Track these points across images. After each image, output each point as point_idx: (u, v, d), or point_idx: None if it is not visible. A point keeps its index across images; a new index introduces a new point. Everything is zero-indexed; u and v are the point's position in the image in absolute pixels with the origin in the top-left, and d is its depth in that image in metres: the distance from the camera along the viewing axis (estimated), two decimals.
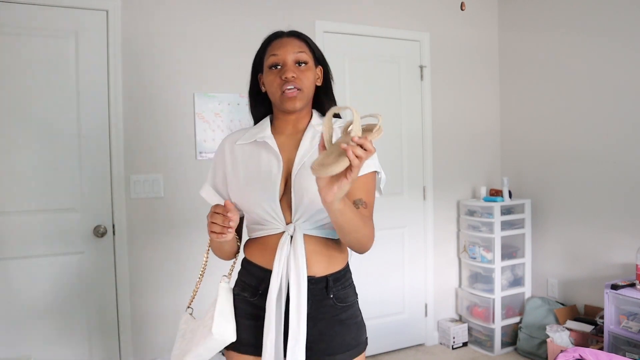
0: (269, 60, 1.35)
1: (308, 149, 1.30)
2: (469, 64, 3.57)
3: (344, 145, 0.97)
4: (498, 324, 3.27)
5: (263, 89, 1.40)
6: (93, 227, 2.55)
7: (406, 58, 3.34)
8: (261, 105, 1.45)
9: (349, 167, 0.98)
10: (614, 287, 2.61)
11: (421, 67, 3.38)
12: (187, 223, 2.75)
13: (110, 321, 2.60)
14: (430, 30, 3.40)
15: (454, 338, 3.39)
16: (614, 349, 2.60)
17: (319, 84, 1.41)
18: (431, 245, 3.45)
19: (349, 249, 1.36)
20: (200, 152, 2.77)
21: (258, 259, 1.34)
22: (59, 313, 2.50)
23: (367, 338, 1.38)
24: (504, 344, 3.32)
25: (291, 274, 1.23)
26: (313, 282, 1.27)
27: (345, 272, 1.36)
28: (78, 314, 2.53)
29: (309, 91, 1.34)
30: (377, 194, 1.36)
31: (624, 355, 2.45)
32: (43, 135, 2.46)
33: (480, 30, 3.60)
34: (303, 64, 1.34)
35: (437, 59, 3.44)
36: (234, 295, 1.38)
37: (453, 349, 3.38)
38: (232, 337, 1.29)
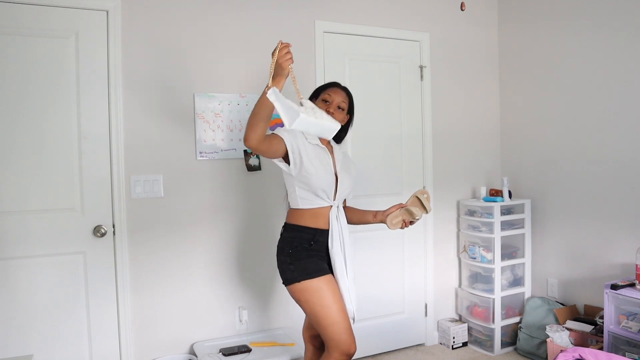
0: (324, 97, 2.13)
1: (339, 158, 2.19)
2: (469, 64, 3.57)
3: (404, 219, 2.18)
4: (498, 324, 3.28)
5: None
6: (93, 227, 2.56)
7: (406, 58, 3.35)
8: None
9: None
10: (614, 287, 2.62)
11: (421, 67, 3.38)
12: (187, 223, 2.75)
13: (110, 321, 2.60)
14: (430, 30, 3.40)
15: (454, 338, 3.39)
16: (614, 349, 2.60)
17: (343, 124, 2.17)
18: (431, 245, 3.45)
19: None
20: (200, 152, 2.77)
21: (310, 223, 2.07)
22: (59, 313, 2.50)
23: None
24: (503, 344, 3.32)
25: (343, 226, 2.11)
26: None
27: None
28: (78, 314, 2.54)
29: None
30: None
31: (624, 355, 2.45)
32: (43, 135, 2.46)
33: (480, 30, 3.60)
34: (341, 109, 2.14)
35: (437, 59, 3.44)
36: (294, 248, 2.07)
37: (453, 349, 3.39)
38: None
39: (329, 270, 2.07)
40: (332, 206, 2.09)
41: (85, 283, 2.55)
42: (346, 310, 2.02)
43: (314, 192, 2.05)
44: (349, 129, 2.26)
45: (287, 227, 2.13)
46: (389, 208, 2.17)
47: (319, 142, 2.11)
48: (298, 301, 2.04)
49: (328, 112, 2.07)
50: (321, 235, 2.08)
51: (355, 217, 2.27)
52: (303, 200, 2.07)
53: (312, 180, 2.02)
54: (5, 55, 2.38)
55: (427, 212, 2.14)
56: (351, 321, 2.04)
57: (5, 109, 2.39)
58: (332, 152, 2.18)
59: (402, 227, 2.16)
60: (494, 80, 3.68)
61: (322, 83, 3.02)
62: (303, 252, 2.05)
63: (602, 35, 2.95)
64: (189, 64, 2.74)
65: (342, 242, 2.09)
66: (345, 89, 2.19)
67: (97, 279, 2.57)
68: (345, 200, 2.27)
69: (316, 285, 1.99)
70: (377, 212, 2.22)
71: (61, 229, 2.50)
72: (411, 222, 2.15)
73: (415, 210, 2.11)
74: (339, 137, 2.23)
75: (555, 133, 3.27)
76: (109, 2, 2.56)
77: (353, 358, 2.02)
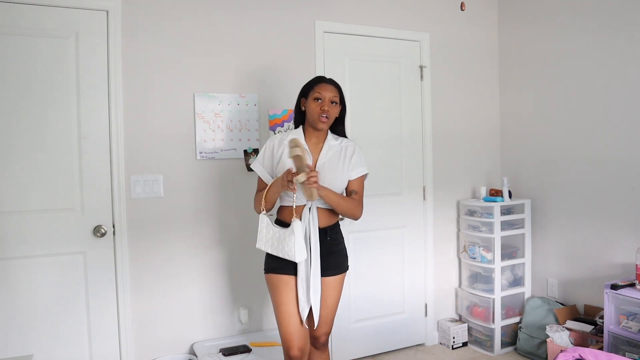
0: (314, 95, 2.11)
1: (325, 157, 2.14)
2: (469, 64, 3.57)
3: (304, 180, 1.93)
4: (498, 324, 3.28)
5: (303, 109, 2.17)
6: (93, 227, 2.56)
7: (406, 58, 3.34)
8: (299, 118, 2.22)
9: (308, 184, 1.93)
10: (614, 287, 2.62)
11: (421, 67, 3.38)
12: (187, 223, 2.75)
13: (110, 321, 2.60)
14: (430, 30, 3.40)
15: (454, 338, 3.39)
16: (614, 348, 2.60)
17: (337, 116, 2.19)
18: (431, 245, 3.45)
19: (339, 215, 2.20)
20: (200, 152, 2.77)
21: (287, 219, 2.09)
22: (59, 313, 2.50)
23: (348, 264, 2.23)
24: (503, 344, 3.32)
25: (310, 227, 2.06)
26: (319, 230, 2.10)
27: (336, 225, 2.20)
28: (78, 314, 2.54)
29: (332, 119, 2.14)
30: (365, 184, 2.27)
31: (624, 355, 2.45)
32: (43, 135, 2.46)
33: (480, 30, 3.60)
34: (334, 103, 2.13)
35: (437, 59, 3.44)
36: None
37: (453, 349, 3.39)
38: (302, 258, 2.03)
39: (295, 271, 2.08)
40: (304, 205, 2.08)
41: (85, 283, 2.55)
42: (294, 316, 2.06)
43: (286, 195, 2.12)
44: (344, 121, 2.24)
45: (276, 220, 2.21)
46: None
47: (301, 140, 2.10)
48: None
49: (322, 109, 2.07)
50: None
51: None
52: (282, 197, 2.14)
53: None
54: (5, 55, 2.38)
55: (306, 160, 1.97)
56: (305, 326, 2.08)
57: (5, 109, 2.39)
58: (319, 149, 2.15)
59: (307, 181, 1.92)
60: (494, 80, 3.68)
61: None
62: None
63: (602, 35, 2.95)
64: (189, 64, 2.74)
65: (308, 242, 2.05)
66: (333, 82, 2.16)
67: (97, 279, 2.57)
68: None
69: (275, 282, 2.10)
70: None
71: (61, 229, 2.50)
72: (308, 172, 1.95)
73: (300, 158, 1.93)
74: (336, 130, 2.23)
75: (555, 133, 3.27)
76: (109, 2, 2.56)
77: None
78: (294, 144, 1.93)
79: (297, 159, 1.93)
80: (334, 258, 2.14)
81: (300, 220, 2.03)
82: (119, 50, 2.58)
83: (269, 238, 2.08)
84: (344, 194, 2.20)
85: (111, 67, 2.57)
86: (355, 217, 2.19)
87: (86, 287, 2.55)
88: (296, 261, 1.99)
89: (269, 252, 2.08)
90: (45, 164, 2.47)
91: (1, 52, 2.37)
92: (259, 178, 2.20)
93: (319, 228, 2.09)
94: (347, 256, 2.24)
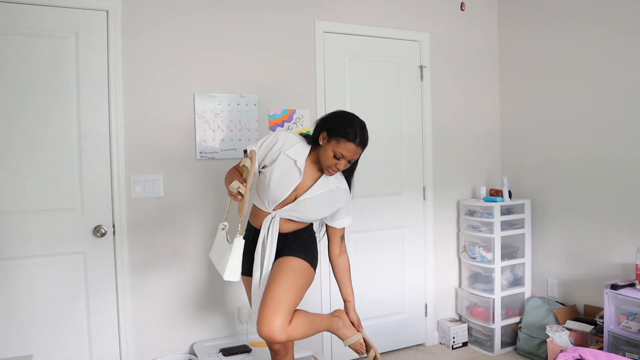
0: (335, 151, 1.93)
1: (316, 192, 2.03)
2: (469, 64, 3.57)
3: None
4: (498, 324, 3.28)
5: (320, 142, 1.99)
6: (93, 227, 2.56)
7: (406, 58, 3.34)
8: (314, 140, 2.04)
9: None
10: (614, 287, 2.62)
11: (421, 67, 3.38)
12: (187, 223, 2.75)
13: (110, 321, 2.60)
14: (430, 30, 3.40)
15: (454, 338, 3.39)
16: (614, 348, 2.60)
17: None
18: (431, 245, 3.45)
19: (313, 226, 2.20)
20: (200, 152, 2.77)
21: (252, 220, 2.15)
22: (59, 313, 2.50)
23: (314, 262, 2.11)
24: (503, 344, 3.32)
25: (268, 234, 2.03)
26: (281, 235, 2.07)
27: (305, 230, 2.14)
28: (78, 314, 2.54)
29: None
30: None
31: (624, 355, 2.45)
32: (43, 135, 2.46)
33: (480, 30, 3.60)
34: (349, 161, 1.98)
35: (437, 59, 3.44)
36: (245, 238, 2.02)
37: (453, 349, 3.39)
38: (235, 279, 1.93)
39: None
40: (269, 213, 2.05)
41: (85, 283, 2.55)
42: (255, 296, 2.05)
43: (259, 195, 2.09)
44: (354, 172, 2.14)
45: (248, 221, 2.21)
46: (359, 334, 2.16)
47: (300, 164, 1.99)
48: None
49: (337, 167, 1.96)
50: (256, 235, 2.10)
51: (337, 277, 2.23)
52: (256, 196, 2.12)
53: (260, 187, 2.06)
54: (5, 55, 2.38)
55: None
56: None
57: (5, 109, 2.39)
58: (315, 179, 2.04)
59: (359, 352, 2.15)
60: (494, 80, 3.68)
61: (323, 85, 3.04)
62: (246, 245, 2.01)
63: (602, 34, 2.95)
64: (189, 64, 2.74)
65: (263, 248, 2.03)
66: (362, 144, 1.95)
67: (97, 279, 2.57)
68: (341, 239, 2.21)
69: (244, 282, 2.22)
70: (348, 306, 2.21)
71: (61, 229, 2.50)
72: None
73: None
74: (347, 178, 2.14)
75: (556, 133, 3.27)
76: (109, 2, 2.56)
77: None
78: (250, 155, 1.91)
79: (244, 169, 1.92)
80: (297, 245, 2.07)
81: (259, 228, 2.05)
82: (119, 50, 2.58)
83: (216, 247, 2.06)
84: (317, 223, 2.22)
85: (111, 67, 2.57)
86: None
87: (86, 287, 2.55)
88: (224, 279, 1.89)
89: (212, 260, 2.06)
90: (45, 164, 2.47)
91: (1, 52, 2.37)
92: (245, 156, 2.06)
93: (281, 233, 2.05)
94: (314, 254, 2.13)
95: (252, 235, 2.13)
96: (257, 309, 1.97)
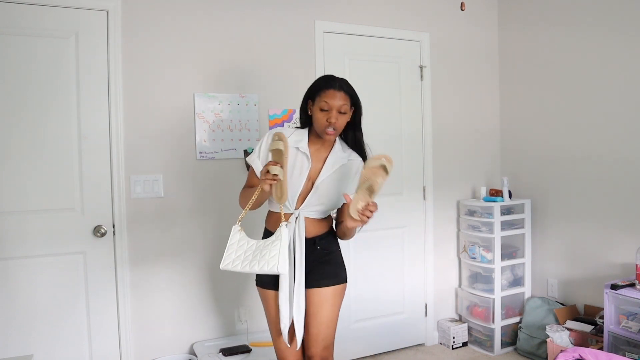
0: (320, 104, 1.86)
1: (329, 171, 1.92)
2: (469, 64, 3.57)
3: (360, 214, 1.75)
4: (498, 324, 3.28)
5: (309, 113, 1.93)
6: (93, 227, 2.56)
7: (406, 58, 3.34)
8: (305, 119, 1.98)
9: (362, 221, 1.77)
10: (614, 287, 2.62)
11: (421, 67, 3.38)
12: (187, 223, 2.75)
13: (110, 321, 2.60)
14: (430, 30, 3.40)
15: (453, 338, 3.39)
16: (614, 348, 2.60)
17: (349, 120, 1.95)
18: (431, 245, 3.45)
19: (333, 222, 2.06)
20: (200, 152, 2.77)
21: (272, 227, 1.94)
22: (59, 313, 2.50)
23: (346, 276, 2.00)
24: (503, 344, 3.32)
25: (296, 237, 1.86)
26: (308, 241, 1.92)
27: (328, 233, 1.99)
28: (78, 314, 2.54)
29: (341, 129, 1.91)
30: None
31: (624, 355, 2.45)
32: (43, 135, 2.46)
33: (480, 30, 3.60)
34: (342, 113, 1.88)
35: (437, 59, 3.44)
36: None
37: (453, 349, 3.39)
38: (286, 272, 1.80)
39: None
40: (292, 214, 1.89)
41: (85, 283, 2.55)
42: (281, 333, 1.88)
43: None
44: (360, 126, 2.00)
45: (264, 229, 2.04)
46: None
47: (303, 148, 1.90)
48: None
49: (329, 122, 1.83)
50: None
51: (339, 229, 2.00)
52: (270, 201, 1.98)
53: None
54: (5, 55, 2.38)
55: (387, 173, 1.75)
56: (287, 343, 1.89)
57: (5, 109, 2.39)
58: (323, 159, 1.93)
59: (366, 215, 1.74)
60: (494, 80, 3.68)
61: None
62: None
63: (602, 35, 2.95)
64: (189, 64, 2.74)
65: (292, 254, 1.86)
66: (343, 87, 1.88)
67: (97, 279, 2.57)
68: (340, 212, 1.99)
69: (263, 296, 1.98)
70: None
71: (61, 229, 2.50)
72: (370, 205, 1.76)
73: (373, 182, 1.73)
74: (346, 137, 2.00)
75: (556, 133, 3.27)
76: (109, 2, 2.56)
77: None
78: (278, 137, 1.78)
79: (276, 153, 1.79)
80: (326, 267, 1.92)
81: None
82: (119, 50, 2.58)
83: (241, 253, 1.82)
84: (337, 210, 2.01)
85: (111, 67, 2.57)
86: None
87: (86, 287, 2.55)
88: (278, 272, 1.75)
89: (238, 269, 1.80)
90: (45, 164, 2.47)
91: (1, 52, 2.37)
92: (251, 173, 2.00)
93: (306, 238, 1.90)
94: (344, 266, 2.01)
95: None
96: (286, 325, 1.84)
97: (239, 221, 1.89)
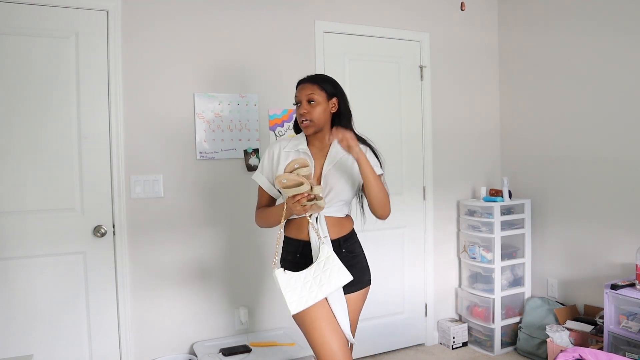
0: (294, 100, 1.95)
1: (331, 163, 1.93)
2: (469, 64, 3.57)
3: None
4: (498, 324, 3.27)
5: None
6: (93, 227, 2.56)
7: (406, 58, 3.34)
8: (296, 125, 2.04)
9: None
10: (614, 287, 2.62)
11: (421, 67, 3.38)
12: (187, 223, 2.75)
13: (110, 321, 2.60)
14: (430, 30, 3.40)
15: (453, 338, 3.39)
16: (614, 349, 2.60)
17: (334, 111, 1.97)
18: (431, 245, 3.45)
19: (353, 223, 2.04)
20: (200, 152, 2.77)
21: (295, 235, 1.94)
22: (59, 313, 2.50)
23: (370, 277, 2.02)
24: (503, 344, 3.32)
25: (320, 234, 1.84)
26: (333, 243, 1.87)
27: (351, 234, 1.99)
28: (78, 314, 2.54)
29: (319, 120, 1.91)
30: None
31: (624, 355, 2.45)
32: (43, 135, 2.46)
33: (480, 30, 3.60)
34: (313, 102, 1.90)
35: (437, 59, 3.44)
36: (282, 260, 1.95)
37: (453, 349, 3.39)
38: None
39: None
40: (310, 216, 1.85)
41: (85, 283, 2.55)
42: (336, 331, 1.80)
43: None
44: (346, 111, 1.99)
45: (284, 238, 1.99)
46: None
47: (304, 149, 1.93)
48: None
49: (300, 114, 1.89)
50: (306, 248, 1.88)
51: (370, 204, 1.93)
52: (289, 213, 1.89)
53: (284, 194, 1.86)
54: (5, 55, 2.38)
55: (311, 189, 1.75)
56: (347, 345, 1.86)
57: (5, 109, 2.39)
58: (325, 154, 1.95)
59: (302, 205, 1.75)
60: (494, 80, 3.68)
61: None
62: (290, 266, 1.86)
63: (602, 35, 2.95)
64: (189, 64, 2.74)
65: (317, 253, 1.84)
66: (310, 78, 1.94)
67: (97, 279, 2.57)
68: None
69: (309, 317, 1.82)
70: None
71: (61, 229, 2.49)
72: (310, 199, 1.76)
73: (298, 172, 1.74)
74: (338, 125, 1.95)
75: (556, 133, 3.27)
76: (109, 2, 2.56)
77: (353, 357, 1.93)
78: (299, 164, 1.74)
79: (303, 176, 1.75)
80: (352, 272, 1.83)
81: (307, 239, 1.85)
82: (119, 50, 2.58)
83: (300, 289, 1.73)
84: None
85: (111, 67, 2.57)
86: (385, 213, 1.93)
87: (86, 287, 2.55)
88: (348, 280, 1.75)
89: (312, 303, 1.72)
90: (45, 164, 2.46)
91: (1, 52, 2.37)
92: (260, 190, 2.02)
93: (331, 240, 1.87)
94: (368, 268, 2.02)
95: (301, 249, 1.90)
96: (346, 327, 1.84)
97: (275, 262, 1.80)
